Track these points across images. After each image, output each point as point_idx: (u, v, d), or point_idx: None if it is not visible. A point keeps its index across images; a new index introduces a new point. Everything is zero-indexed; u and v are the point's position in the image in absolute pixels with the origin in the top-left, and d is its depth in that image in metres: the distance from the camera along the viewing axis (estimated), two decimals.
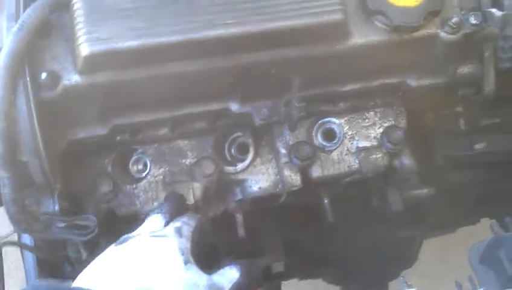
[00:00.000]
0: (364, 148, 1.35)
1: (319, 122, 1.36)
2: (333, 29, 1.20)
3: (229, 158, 1.36)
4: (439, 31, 1.25)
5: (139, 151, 1.32)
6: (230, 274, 1.08)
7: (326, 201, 1.40)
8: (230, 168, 1.35)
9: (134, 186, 1.31)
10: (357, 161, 1.35)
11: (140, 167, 1.33)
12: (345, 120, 1.37)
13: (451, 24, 1.23)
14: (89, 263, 1.03)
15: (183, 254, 1.03)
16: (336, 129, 1.36)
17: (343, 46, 1.23)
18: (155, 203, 1.30)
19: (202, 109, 1.28)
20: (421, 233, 1.71)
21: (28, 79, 1.13)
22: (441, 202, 1.55)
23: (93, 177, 1.28)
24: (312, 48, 1.22)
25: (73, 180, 1.26)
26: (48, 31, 1.17)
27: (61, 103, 1.16)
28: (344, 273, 1.85)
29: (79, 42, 1.12)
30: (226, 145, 1.36)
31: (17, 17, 1.16)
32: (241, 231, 1.36)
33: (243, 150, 1.36)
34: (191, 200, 1.29)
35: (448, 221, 1.76)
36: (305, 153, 1.31)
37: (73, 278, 1.01)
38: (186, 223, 1.11)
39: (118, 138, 1.28)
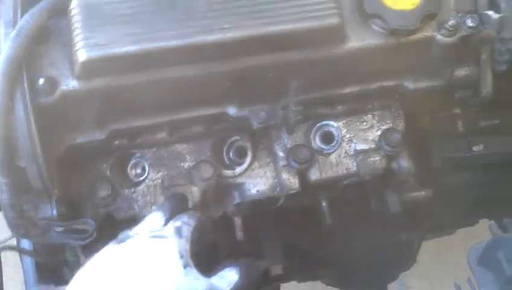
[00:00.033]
0: (362, 151, 1.35)
1: (317, 125, 1.36)
2: (330, 33, 1.21)
3: (227, 162, 1.36)
4: (435, 33, 1.26)
5: (138, 155, 1.32)
6: (229, 276, 1.08)
7: (324, 204, 1.40)
8: (228, 172, 1.35)
9: (132, 190, 1.31)
10: (355, 164, 1.35)
11: (139, 171, 1.33)
12: (343, 123, 1.37)
13: (448, 27, 1.24)
14: None
15: (182, 257, 1.03)
16: (334, 132, 1.36)
17: (340, 49, 1.23)
18: (153, 207, 1.29)
19: (200, 113, 1.28)
20: (419, 235, 1.71)
21: (25, 85, 1.13)
22: (439, 204, 1.55)
23: (91, 182, 1.29)
24: (309, 51, 1.22)
25: (71, 185, 1.26)
26: (45, 37, 1.17)
27: (59, 109, 1.16)
28: (343, 275, 1.85)
29: (77, 48, 1.12)
30: (224, 149, 1.36)
31: (14, 23, 1.16)
32: (239, 235, 1.36)
33: (241, 154, 1.36)
34: (189, 204, 1.29)
35: (446, 223, 1.76)
36: (303, 156, 1.31)
37: None
38: (186, 223, 1.11)
39: (116, 142, 1.28)
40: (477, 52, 1.32)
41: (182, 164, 1.33)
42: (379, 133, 1.36)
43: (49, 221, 1.21)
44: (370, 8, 1.22)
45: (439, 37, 1.25)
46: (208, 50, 1.16)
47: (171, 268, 1.01)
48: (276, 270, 1.49)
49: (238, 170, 1.35)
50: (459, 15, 1.26)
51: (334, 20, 1.19)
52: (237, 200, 1.33)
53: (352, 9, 1.24)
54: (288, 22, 1.18)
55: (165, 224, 1.12)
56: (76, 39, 1.13)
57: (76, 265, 1.29)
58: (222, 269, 1.10)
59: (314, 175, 1.35)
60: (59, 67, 1.16)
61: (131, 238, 1.06)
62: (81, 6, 1.14)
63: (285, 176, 1.33)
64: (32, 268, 1.41)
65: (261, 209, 1.37)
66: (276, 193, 1.34)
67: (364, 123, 1.37)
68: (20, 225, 1.21)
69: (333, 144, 1.36)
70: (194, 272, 1.02)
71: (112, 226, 1.26)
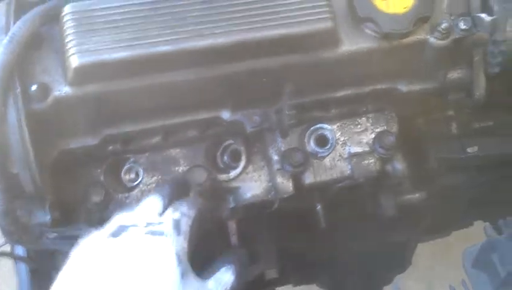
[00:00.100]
0: (357, 154, 1.35)
1: (311, 128, 1.36)
2: (323, 37, 1.21)
3: (221, 166, 1.36)
4: (428, 36, 1.26)
5: (131, 160, 1.32)
6: (225, 278, 1.08)
7: (319, 207, 1.40)
8: (222, 176, 1.34)
9: (126, 195, 1.31)
10: (349, 167, 1.35)
11: (133, 175, 1.33)
12: (337, 126, 1.37)
13: (441, 30, 1.24)
14: None
15: (179, 260, 1.02)
16: (328, 135, 1.36)
17: (333, 53, 1.23)
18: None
19: (193, 117, 1.28)
20: (414, 237, 1.71)
21: (18, 91, 1.13)
22: (435, 206, 1.55)
23: (85, 187, 1.28)
24: (302, 56, 1.22)
25: (65, 190, 1.26)
26: (38, 44, 1.17)
27: (52, 115, 1.16)
28: (338, 278, 1.85)
29: (69, 54, 1.12)
30: (219, 153, 1.36)
31: (7, 29, 1.16)
32: (234, 239, 1.36)
33: (235, 158, 1.36)
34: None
35: (442, 224, 1.76)
36: (297, 160, 1.31)
37: None
38: (185, 215, 1.10)
39: (110, 147, 1.28)
40: (470, 54, 1.31)
41: (176, 169, 1.33)
42: (373, 136, 1.36)
43: (43, 227, 1.21)
44: (362, 12, 1.22)
45: (432, 40, 1.25)
46: (200, 55, 1.16)
47: (167, 272, 1.01)
48: (271, 274, 1.49)
49: (233, 173, 1.35)
50: (452, 18, 1.26)
51: (327, 24, 1.19)
52: (232, 205, 1.32)
53: (345, 13, 1.24)
54: (281, 26, 1.18)
55: (163, 211, 1.11)
56: (69, 45, 1.13)
57: None
58: (217, 267, 1.10)
59: (308, 178, 1.34)
60: (52, 74, 1.16)
61: (126, 232, 1.06)
62: (73, 13, 1.14)
63: (279, 179, 1.33)
64: (26, 274, 1.41)
65: (256, 213, 1.37)
66: (270, 197, 1.34)
67: (359, 126, 1.37)
68: (13, 231, 1.21)
69: (327, 147, 1.35)
70: (190, 277, 1.02)
71: None
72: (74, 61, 1.12)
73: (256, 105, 1.28)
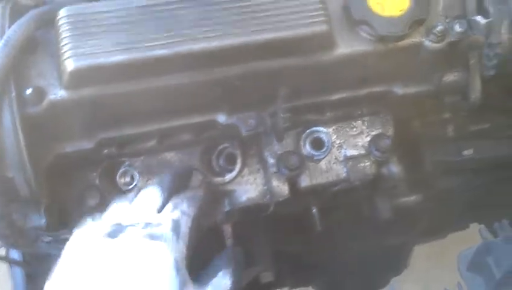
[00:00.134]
0: (352, 157, 1.35)
1: (307, 131, 1.36)
2: (318, 40, 1.20)
3: (217, 169, 1.35)
4: (424, 39, 1.25)
5: (127, 163, 1.32)
6: (223, 284, 1.08)
7: (314, 210, 1.40)
8: (218, 179, 1.34)
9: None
10: (345, 170, 1.35)
11: (128, 179, 1.32)
12: (333, 129, 1.37)
13: (436, 32, 1.24)
14: None
15: (177, 267, 1.02)
16: (324, 138, 1.36)
17: (328, 56, 1.23)
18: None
19: (189, 121, 1.28)
20: (411, 240, 1.72)
21: (13, 95, 1.12)
22: (431, 208, 1.55)
23: (80, 191, 1.28)
24: (297, 59, 1.22)
25: (60, 194, 1.26)
26: (33, 47, 1.17)
27: (47, 118, 1.16)
28: (334, 280, 1.85)
29: (64, 58, 1.12)
30: (214, 156, 1.36)
31: (2, 33, 1.16)
32: (229, 242, 1.36)
33: (231, 161, 1.35)
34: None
35: (437, 227, 1.76)
36: (293, 163, 1.31)
37: None
38: (185, 213, 1.10)
39: (105, 151, 1.27)
40: (465, 57, 1.31)
41: None
42: (369, 138, 1.36)
43: (38, 230, 1.21)
44: (358, 14, 1.22)
45: (427, 42, 1.25)
46: (196, 59, 1.16)
47: (165, 282, 1.01)
48: (267, 277, 1.49)
49: (228, 177, 1.35)
50: (447, 20, 1.26)
51: (323, 28, 1.19)
52: (227, 208, 1.32)
53: (340, 16, 1.24)
54: (276, 29, 1.17)
55: (163, 205, 1.11)
56: (64, 49, 1.12)
57: None
58: (214, 270, 1.10)
59: (304, 181, 1.35)
60: (47, 78, 1.16)
61: (124, 233, 1.06)
62: (69, 17, 1.14)
63: (275, 182, 1.33)
64: (21, 278, 1.41)
65: (252, 216, 1.37)
66: (266, 200, 1.34)
67: (354, 129, 1.37)
68: (9, 234, 1.21)
69: (323, 150, 1.35)
70: (188, 286, 1.02)
71: None
72: (69, 65, 1.11)
73: (252, 108, 1.27)
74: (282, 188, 1.33)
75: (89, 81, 1.14)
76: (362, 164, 1.35)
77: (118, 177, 1.32)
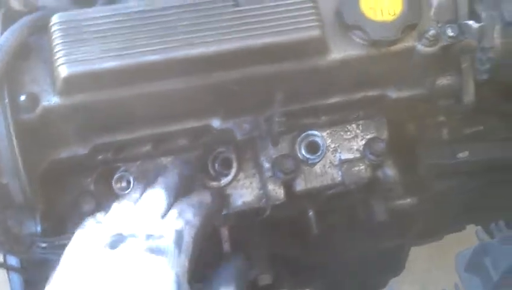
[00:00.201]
0: (347, 161, 1.36)
1: (302, 135, 1.36)
2: (312, 45, 1.21)
3: (212, 173, 1.36)
4: (416, 44, 1.25)
5: (122, 168, 1.32)
6: None
7: (310, 213, 1.41)
8: (214, 183, 1.35)
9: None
10: (340, 173, 1.35)
11: (124, 184, 1.32)
12: (327, 133, 1.37)
13: (429, 37, 1.24)
14: None
15: (179, 286, 1.02)
16: (319, 141, 1.36)
17: (322, 61, 1.23)
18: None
19: (184, 126, 1.28)
20: (407, 242, 1.72)
21: (6, 101, 1.13)
22: (426, 211, 1.55)
23: (75, 196, 1.29)
24: (292, 64, 1.22)
25: (55, 199, 1.27)
26: (26, 54, 1.17)
27: (41, 124, 1.16)
28: (332, 283, 1.85)
29: (58, 64, 1.12)
30: (210, 161, 1.36)
31: None
32: (226, 246, 1.36)
33: (227, 165, 1.36)
34: None
35: (433, 229, 1.76)
36: (288, 167, 1.32)
37: None
38: (189, 223, 1.10)
39: (100, 156, 1.28)
40: (458, 61, 1.32)
41: None
42: (363, 142, 1.37)
43: (34, 237, 1.21)
44: (350, 19, 1.22)
45: (419, 47, 1.25)
46: (190, 64, 1.16)
47: None
48: (265, 280, 1.49)
49: (224, 181, 1.35)
50: (439, 25, 1.26)
51: (315, 33, 1.19)
52: (224, 212, 1.33)
53: (332, 21, 1.24)
54: (269, 34, 1.17)
55: (167, 210, 1.12)
56: (57, 55, 1.12)
57: None
58: (217, 283, 1.10)
59: (299, 185, 1.35)
60: (40, 84, 1.16)
61: (125, 243, 1.05)
62: (62, 23, 1.14)
63: (270, 186, 1.34)
64: (19, 284, 1.41)
65: (248, 220, 1.37)
66: (262, 204, 1.35)
67: (348, 133, 1.37)
68: (4, 241, 1.21)
69: (318, 153, 1.36)
70: None
71: None
72: (63, 71, 1.12)
73: (247, 113, 1.28)
74: (278, 191, 1.34)
75: (83, 87, 1.14)
76: (357, 168, 1.35)
77: (114, 182, 1.32)
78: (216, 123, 1.28)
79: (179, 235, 1.07)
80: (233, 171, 1.35)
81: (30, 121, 1.15)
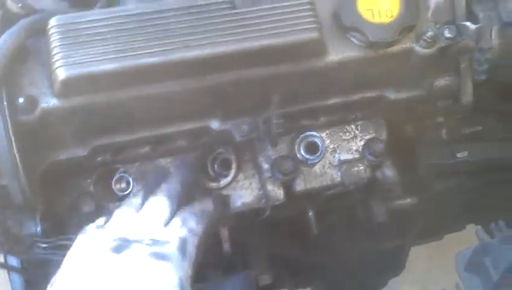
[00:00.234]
0: (346, 161, 1.36)
1: (301, 136, 1.36)
2: (310, 47, 1.21)
3: (212, 174, 1.36)
4: (414, 45, 1.25)
5: (121, 170, 1.32)
6: None
7: (310, 214, 1.41)
8: (213, 184, 1.35)
9: (117, 204, 1.31)
10: (339, 174, 1.36)
11: (123, 185, 1.33)
12: (326, 134, 1.37)
13: (426, 38, 1.24)
14: None
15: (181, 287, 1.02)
16: (318, 142, 1.36)
17: (320, 63, 1.23)
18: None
19: (183, 127, 1.28)
20: (407, 242, 1.72)
21: (5, 103, 1.13)
22: (426, 211, 1.55)
23: (74, 198, 1.29)
24: (289, 66, 1.22)
25: (55, 200, 1.27)
26: (24, 56, 1.17)
27: (40, 127, 1.17)
28: (332, 283, 1.85)
29: (56, 66, 1.12)
30: (209, 162, 1.36)
31: None
32: (226, 246, 1.36)
33: (226, 166, 1.36)
34: None
35: (433, 229, 1.77)
36: (288, 167, 1.32)
37: None
38: (192, 231, 1.10)
39: (99, 158, 1.28)
40: (456, 62, 1.32)
41: None
42: (362, 143, 1.37)
43: (34, 237, 1.22)
44: (348, 21, 1.22)
45: (417, 48, 1.25)
46: (188, 66, 1.16)
47: None
48: (265, 280, 1.49)
49: (223, 182, 1.35)
50: (437, 26, 1.26)
51: (313, 34, 1.19)
52: None
53: (330, 23, 1.24)
54: (268, 36, 1.17)
55: (170, 218, 1.12)
56: (55, 58, 1.13)
57: None
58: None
59: (299, 186, 1.36)
60: (38, 86, 1.17)
61: (129, 249, 1.05)
62: (59, 26, 1.14)
63: (270, 187, 1.34)
64: (20, 284, 1.42)
65: (248, 221, 1.38)
66: (261, 205, 1.35)
67: (347, 133, 1.38)
68: (4, 241, 1.21)
69: (318, 154, 1.36)
70: None
71: None
72: (61, 73, 1.12)
73: (245, 114, 1.28)
74: (277, 192, 1.34)
75: (81, 89, 1.15)
76: (356, 168, 1.36)
77: (113, 183, 1.32)
78: (215, 125, 1.28)
79: (183, 242, 1.08)
80: (232, 172, 1.36)
81: (29, 123, 1.15)
